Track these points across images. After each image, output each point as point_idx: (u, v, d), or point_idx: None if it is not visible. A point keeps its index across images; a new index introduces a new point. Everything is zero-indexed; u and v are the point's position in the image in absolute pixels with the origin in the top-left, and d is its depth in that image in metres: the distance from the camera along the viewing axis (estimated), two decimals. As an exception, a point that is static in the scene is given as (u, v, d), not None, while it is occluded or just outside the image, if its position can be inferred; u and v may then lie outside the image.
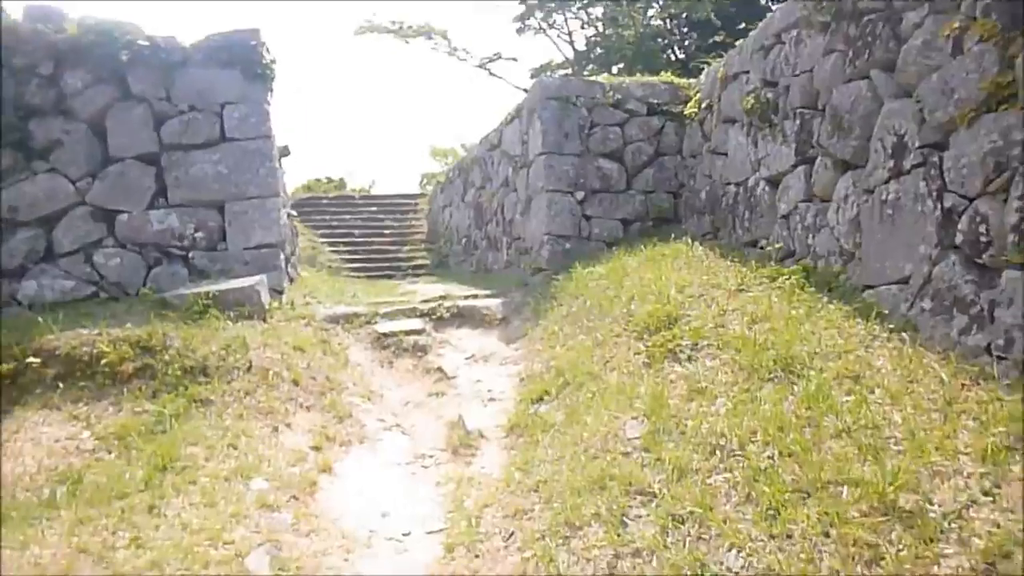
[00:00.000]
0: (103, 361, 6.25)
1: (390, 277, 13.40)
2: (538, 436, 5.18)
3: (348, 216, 16.55)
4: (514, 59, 21.38)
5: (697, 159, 9.04)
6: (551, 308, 7.85)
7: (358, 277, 13.27)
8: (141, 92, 8.01)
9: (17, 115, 7.66)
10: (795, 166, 6.52)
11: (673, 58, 20.92)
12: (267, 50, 8.45)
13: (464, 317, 8.56)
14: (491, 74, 20.88)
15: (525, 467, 4.74)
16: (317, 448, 5.49)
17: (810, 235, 6.18)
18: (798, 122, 6.46)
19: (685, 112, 9.37)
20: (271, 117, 8.53)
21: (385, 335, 7.95)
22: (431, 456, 5.71)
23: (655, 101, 9.59)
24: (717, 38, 20.05)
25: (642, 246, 8.31)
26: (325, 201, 17.49)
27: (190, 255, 8.04)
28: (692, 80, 9.91)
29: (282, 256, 8.41)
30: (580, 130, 9.30)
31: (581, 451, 4.46)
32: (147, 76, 8.01)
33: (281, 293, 8.21)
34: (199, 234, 8.05)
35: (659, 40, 21.67)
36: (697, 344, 5.15)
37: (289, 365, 6.47)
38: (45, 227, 7.75)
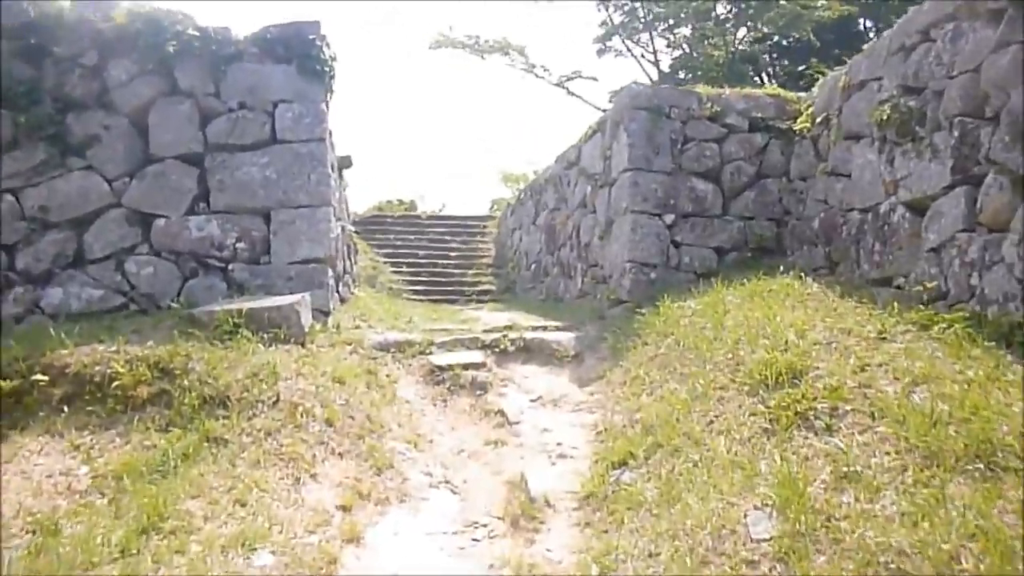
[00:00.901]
0: (115, 384, 5.44)
1: (453, 302, 12.46)
2: (622, 515, 4.04)
3: (413, 236, 15.74)
4: (594, 78, 20.21)
5: (808, 182, 7.80)
6: (634, 347, 6.70)
7: (419, 300, 12.38)
8: (188, 86, 7.29)
9: (55, 107, 7.02)
10: (951, 187, 5.27)
11: (763, 84, 19.63)
12: (327, 45, 7.64)
13: (531, 351, 7.47)
14: (569, 93, 19.92)
15: (605, 560, 3.60)
16: (346, 508, 4.47)
17: (974, 273, 4.90)
18: (956, 133, 5.21)
19: (795, 128, 8.16)
20: (328, 119, 7.71)
21: (440, 368, 6.94)
22: (485, 525, 4.61)
23: (758, 115, 8.41)
24: (810, 63, 18.73)
25: (743, 279, 7.10)
26: (390, 220, 16.75)
27: (230, 267, 7.21)
28: (802, 94, 8.70)
29: (330, 273, 7.51)
30: (672, 145, 8.18)
31: (685, 549, 3.30)
32: (196, 69, 7.29)
33: (327, 314, 7.29)
34: (241, 244, 7.22)
35: (748, 65, 20.42)
36: (837, 409, 3.92)
37: (324, 400, 5.49)
38: (76, 230, 7.05)
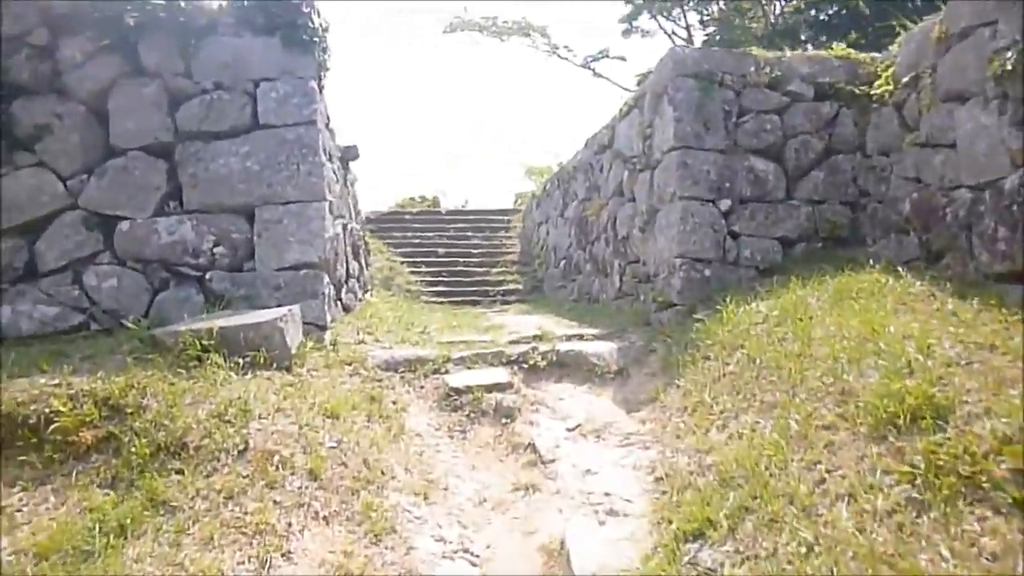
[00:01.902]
0: (54, 426, 4.36)
1: (475, 304, 11.38)
2: (706, 621, 2.85)
3: (432, 233, 14.67)
4: (622, 58, 18.95)
5: (892, 156, 6.51)
6: (692, 362, 5.49)
7: (438, 303, 11.30)
8: (154, 65, 6.21)
9: (-2, 94, 5.99)
10: (1122, 151, 3.98)
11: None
12: (317, 12, 6.51)
13: (565, 366, 6.31)
14: (596, 74, 18.63)
15: None
16: (327, 602, 3.34)
17: None
18: None
19: (871, 94, 6.87)
20: (321, 99, 6.58)
21: (458, 391, 5.81)
22: (514, 618, 3.47)
23: (826, 80, 7.13)
24: (848, 39, 17.30)
25: (820, 276, 5.85)
26: (408, 217, 15.72)
27: (207, 276, 6.12)
28: (875, 55, 7.40)
29: (326, 280, 6.37)
30: (726, 118, 6.92)
31: None
32: (162, 45, 6.21)
33: (324, 328, 6.18)
34: (219, 249, 6.13)
35: (787, 40, 19.08)
36: (1025, 472, 2.69)
37: (308, 444, 4.36)
38: (26, 237, 6.00)
